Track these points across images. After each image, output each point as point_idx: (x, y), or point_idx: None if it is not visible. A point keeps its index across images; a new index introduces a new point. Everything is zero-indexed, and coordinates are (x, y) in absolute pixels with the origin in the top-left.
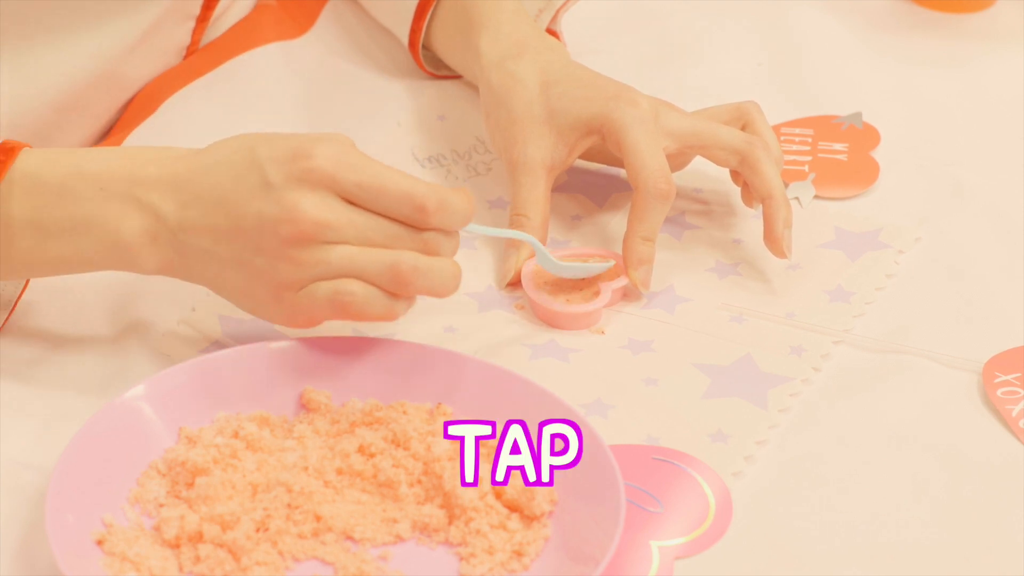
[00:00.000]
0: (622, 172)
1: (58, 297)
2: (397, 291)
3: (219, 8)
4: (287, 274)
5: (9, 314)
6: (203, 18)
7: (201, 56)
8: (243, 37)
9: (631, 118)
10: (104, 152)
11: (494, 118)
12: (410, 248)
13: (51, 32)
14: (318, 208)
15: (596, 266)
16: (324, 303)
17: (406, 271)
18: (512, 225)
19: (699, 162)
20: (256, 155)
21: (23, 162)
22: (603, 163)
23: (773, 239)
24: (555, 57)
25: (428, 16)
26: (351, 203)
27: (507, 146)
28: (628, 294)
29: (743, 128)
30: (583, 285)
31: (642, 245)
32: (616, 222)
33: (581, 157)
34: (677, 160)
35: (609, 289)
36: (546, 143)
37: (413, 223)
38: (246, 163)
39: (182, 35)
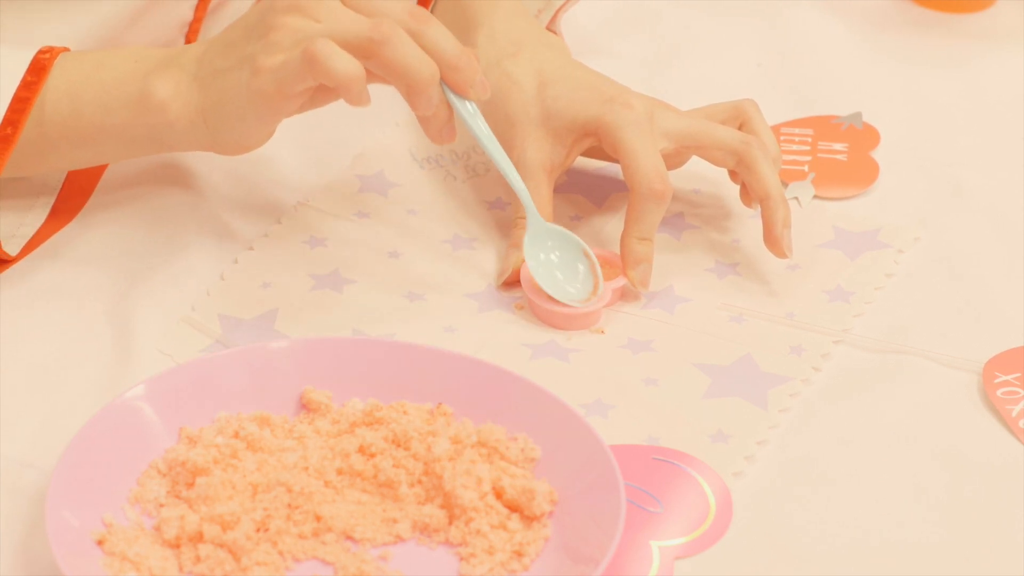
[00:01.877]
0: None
1: (59, 296)
2: (371, 49)
3: None
4: (273, 42)
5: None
6: None
7: None
8: None
9: (625, 120)
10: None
11: (492, 120)
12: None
13: (49, 1)
14: None
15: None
16: (296, 58)
17: (386, 30)
18: (515, 228)
19: (697, 163)
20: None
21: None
22: (605, 160)
23: (772, 240)
24: (553, 55)
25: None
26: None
27: (506, 148)
28: (627, 294)
29: (740, 127)
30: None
31: (638, 245)
32: (614, 223)
33: (584, 155)
34: (674, 160)
35: (609, 289)
36: (544, 145)
37: (405, 28)
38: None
39: (184, 11)
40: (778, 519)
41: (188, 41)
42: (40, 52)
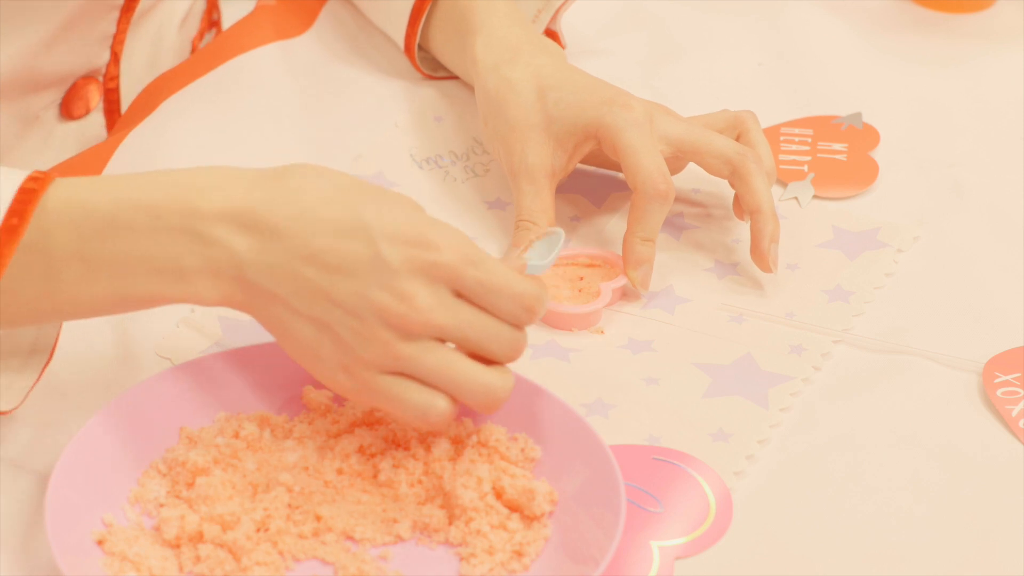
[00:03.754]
0: (621, 175)
1: None
2: (486, 411)
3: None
4: (372, 355)
5: (48, 360)
6: (128, 8)
7: (201, 56)
8: (243, 38)
9: (626, 122)
10: (156, 178)
11: (491, 125)
12: (506, 344)
13: None
14: (433, 306)
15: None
16: (408, 405)
17: (501, 397)
18: (517, 230)
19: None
20: (364, 220)
21: (63, 190)
22: (601, 167)
23: (759, 254)
24: (550, 61)
25: (423, 19)
26: (461, 296)
27: (506, 153)
28: (628, 294)
29: (737, 137)
30: (583, 285)
31: (641, 245)
32: (614, 223)
33: (581, 162)
34: (671, 165)
35: (609, 289)
36: (545, 150)
37: (515, 322)
38: (350, 223)
39: (106, 25)
40: (778, 519)
41: (113, 53)
42: (21, 190)
